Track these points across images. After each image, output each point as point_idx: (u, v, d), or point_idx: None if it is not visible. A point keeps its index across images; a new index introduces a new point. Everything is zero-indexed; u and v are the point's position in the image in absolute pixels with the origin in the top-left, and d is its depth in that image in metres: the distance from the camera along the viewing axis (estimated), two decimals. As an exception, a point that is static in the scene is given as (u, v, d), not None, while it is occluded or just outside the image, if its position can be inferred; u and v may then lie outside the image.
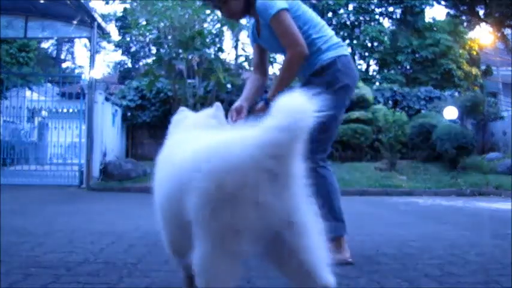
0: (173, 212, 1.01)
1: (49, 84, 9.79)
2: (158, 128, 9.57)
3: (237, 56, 8.55)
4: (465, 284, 1.61)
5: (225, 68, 6.50)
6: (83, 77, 7.79)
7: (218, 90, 7.15)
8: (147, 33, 6.73)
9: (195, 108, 7.03)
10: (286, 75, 1.90)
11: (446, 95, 10.57)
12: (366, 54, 15.39)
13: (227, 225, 0.84)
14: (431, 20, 16.02)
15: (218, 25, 6.84)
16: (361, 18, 15.76)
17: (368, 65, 16.21)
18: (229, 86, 8.03)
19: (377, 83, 13.99)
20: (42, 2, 6.79)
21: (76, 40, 28.79)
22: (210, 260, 0.88)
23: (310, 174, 1.86)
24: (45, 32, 7.41)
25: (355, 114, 9.01)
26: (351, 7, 16.08)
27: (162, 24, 6.29)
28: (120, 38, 21.08)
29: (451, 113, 8.70)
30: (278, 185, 0.86)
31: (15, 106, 7.66)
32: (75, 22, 7.20)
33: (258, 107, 2.00)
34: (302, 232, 0.91)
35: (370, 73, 16.05)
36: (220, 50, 7.31)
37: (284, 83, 1.91)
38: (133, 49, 23.38)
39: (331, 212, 1.91)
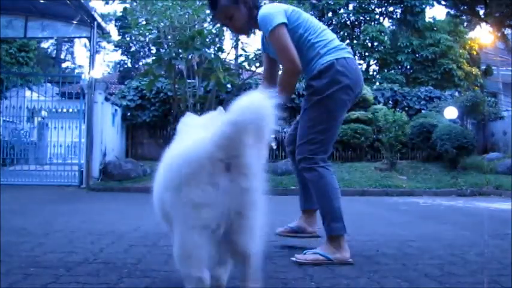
0: (159, 206, 1.20)
1: (49, 84, 9.76)
2: (158, 128, 9.58)
3: (237, 56, 8.55)
4: (465, 284, 1.61)
5: (225, 68, 6.49)
6: (82, 76, 7.79)
7: (218, 90, 7.15)
8: (147, 33, 6.72)
9: (195, 108, 7.03)
10: (281, 89, 1.95)
11: (446, 95, 10.58)
12: (366, 54, 15.38)
13: (187, 201, 1.02)
14: (431, 20, 16.02)
15: (218, 25, 6.83)
16: (361, 18, 15.76)
17: (368, 65, 16.21)
18: (229, 86, 8.03)
19: (377, 83, 13.99)
20: (42, 1, 6.78)
21: (76, 40, 28.86)
22: (180, 237, 1.04)
23: (310, 174, 1.88)
24: (45, 32, 7.41)
25: (355, 114, 9.01)
26: (351, 7, 16.08)
27: (162, 24, 6.28)
28: (120, 37, 21.08)
29: (451, 113, 8.70)
30: (231, 173, 1.03)
31: (15, 106, 7.65)
32: (75, 22, 7.20)
33: None
34: (245, 221, 1.06)
35: (370, 73, 16.05)
36: (220, 50, 7.31)
37: (283, 94, 1.96)
38: (133, 49, 23.38)
39: (330, 212, 1.95)
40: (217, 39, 7.89)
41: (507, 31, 11.53)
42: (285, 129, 9.41)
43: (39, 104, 7.94)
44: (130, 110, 9.15)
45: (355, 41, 15.58)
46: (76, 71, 27.53)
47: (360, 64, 16.05)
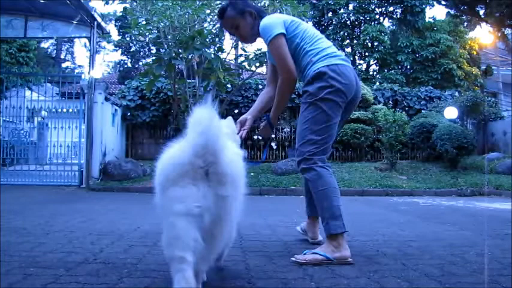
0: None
1: (49, 84, 9.77)
2: (158, 128, 9.58)
3: (237, 56, 8.54)
4: (465, 284, 1.61)
5: (225, 67, 6.48)
6: (82, 76, 7.78)
7: (218, 90, 7.15)
8: (147, 33, 6.70)
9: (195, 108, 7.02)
10: (279, 97, 2.14)
11: (446, 94, 10.57)
12: (366, 54, 15.39)
13: (171, 197, 1.17)
14: (431, 20, 16.03)
15: (218, 25, 6.83)
16: (361, 18, 15.77)
17: (368, 65, 16.21)
18: (229, 86, 8.03)
19: (377, 83, 13.99)
20: (42, 1, 6.78)
21: (76, 40, 28.88)
22: (166, 225, 1.20)
23: (309, 174, 1.90)
24: (45, 32, 7.40)
25: (355, 114, 9.01)
26: (351, 7, 16.08)
27: (162, 24, 6.27)
28: (120, 37, 21.10)
29: (451, 113, 8.70)
30: (209, 180, 1.16)
31: (15, 106, 7.65)
32: (75, 22, 7.20)
33: (262, 127, 2.32)
34: (217, 222, 1.18)
35: (370, 73, 16.06)
36: (220, 49, 7.30)
37: (279, 105, 2.18)
38: (133, 49, 23.40)
39: (329, 210, 1.99)
40: (217, 39, 7.87)
41: (507, 31, 11.54)
42: (284, 129, 9.43)
43: (39, 104, 7.93)
44: (130, 110, 9.15)
45: (355, 41, 15.59)
46: (76, 71, 27.57)
47: (360, 64, 16.06)
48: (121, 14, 17.64)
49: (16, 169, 7.34)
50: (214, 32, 7.07)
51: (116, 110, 8.46)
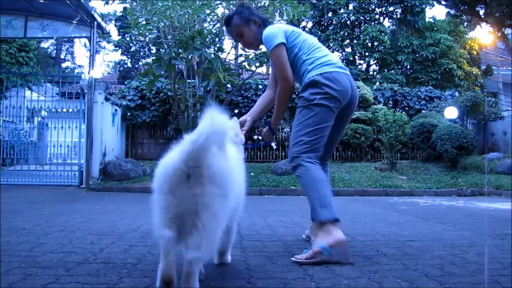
0: None
1: (49, 84, 9.78)
2: (158, 128, 9.58)
3: (237, 56, 8.54)
4: (465, 284, 1.61)
5: (225, 67, 6.47)
6: (82, 76, 7.78)
7: (218, 90, 7.15)
8: (147, 33, 6.69)
9: (195, 108, 7.03)
10: (278, 104, 2.31)
11: (446, 94, 10.57)
12: (366, 54, 15.39)
13: (162, 202, 1.33)
14: (431, 20, 16.03)
15: (218, 25, 6.82)
16: (361, 18, 15.77)
17: (368, 65, 16.22)
18: (229, 86, 8.02)
19: (377, 83, 14.00)
20: (42, 1, 6.78)
21: (76, 40, 28.90)
22: (154, 222, 1.36)
23: (297, 171, 2.18)
24: (45, 32, 7.40)
25: (355, 114, 9.01)
26: (351, 7, 16.09)
27: (162, 24, 6.27)
28: (120, 37, 21.12)
29: (451, 113, 8.70)
30: (190, 182, 1.29)
31: (14, 106, 7.66)
32: (75, 22, 7.20)
33: (263, 132, 2.51)
34: (197, 219, 1.29)
35: (370, 73, 16.06)
36: (220, 49, 7.29)
37: (279, 110, 2.34)
38: (133, 49, 23.40)
39: (318, 199, 2.05)
40: (217, 39, 7.88)
41: (507, 31, 11.54)
42: (284, 129, 9.43)
43: (39, 104, 7.94)
44: (130, 110, 9.15)
45: (355, 41, 15.59)
46: (76, 71, 27.57)
47: (360, 64, 16.07)
48: (121, 14, 17.65)
49: (16, 169, 7.35)
50: (214, 32, 7.07)
51: (116, 110, 8.46)
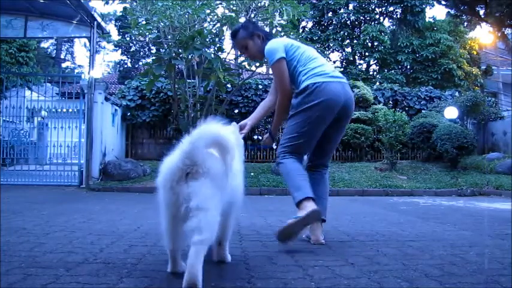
0: None
1: (49, 84, 9.79)
2: (158, 128, 9.58)
3: (237, 56, 8.54)
4: (465, 284, 1.61)
5: (225, 68, 6.47)
6: (82, 76, 7.77)
7: (218, 90, 7.15)
8: (147, 33, 6.69)
9: (195, 108, 7.03)
10: (277, 112, 2.55)
11: (446, 95, 10.57)
12: (366, 54, 15.39)
13: (164, 199, 1.53)
14: (431, 20, 16.02)
15: (218, 25, 6.82)
16: (361, 18, 15.77)
17: (368, 65, 16.22)
18: (229, 86, 8.02)
19: (377, 83, 14.00)
20: (42, 1, 6.78)
21: (76, 40, 28.90)
22: (161, 218, 1.58)
23: (280, 167, 2.44)
24: (45, 32, 7.40)
25: (355, 114, 9.01)
26: (351, 7, 16.09)
27: (162, 24, 6.27)
28: (120, 37, 21.10)
29: (451, 113, 8.70)
30: (190, 179, 1.47)
31: (15, 106, 7.65)
32: (75, 22, 7.20)
33: (265, 138, 2.74)
34: (197, 208, 1.44)
35: (370, 73, 16.06)
36: (220, 49, 7.30)
37: (278, 118, 2.57)
38: (133, 49, 23.39)
39: (293, 186, 2.31)
40: (217, 39, 7.87)
41: (507, 31, 11.54)
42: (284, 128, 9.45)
43: (39, 104, 7.94)
44: (130, 110, 9.15)
45: (355, 41, 15.59)
46: (76, 71, 27.57)
47: (360, 64, 16.06)
48: (121, 14, 17.66)
49: (16, 169, 7.35)
50: (214, 32, 7.06)
51: (116, 110, 8.46)
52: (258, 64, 6.89)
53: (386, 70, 15.38)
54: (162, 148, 9.47)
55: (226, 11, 6.67)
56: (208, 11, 6.36)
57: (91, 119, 6.95)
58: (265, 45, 2.52)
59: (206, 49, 6.39)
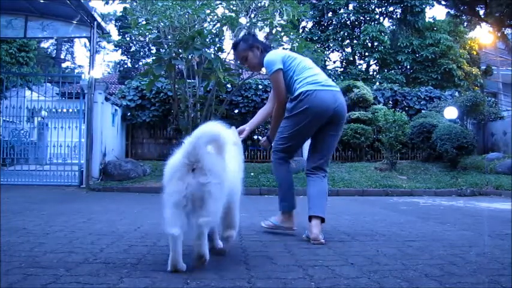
0: None
1: (49, 84, 9.77)
2: (158, 128, 9.58)
3: (237, 56, 8.52)
4: (465, 284, 1.61)
5: (225, 68, 6.47)
6: (82, 76, 7.77)
7: (218, 90, 7.15)
8: (147, 33, 6.69)
9: (195, 108, 7.03)
10: (274, 118, 2.79)
11: (446, 95, 10.57)
12: (366, 54, 15.40)
13: (172, 189, 1.69)
14: (431, 20, 16.03)
15: (218, 25, 6.81)
16: (361, 18, 15.77)
17: (368, 65, 16.22)
18: (229, 86, 8.02)
19: (377, 83, 13.99)
20: (42, 1, 6.78)
21: (76, 40, 28.90)
22: (166, 218, 1.68)
23: (272, 166, 2.84)
24: (45, 32, 7.40)
25: (355, 114, 9.01)
26: (351, 7, 16.09)
27: (162, 24, 6.27)
28: (120, 37, 21.10)
29: (451, 113, 8.69)
30: (194, 173, 1.67)
31: (15, 106, 7.65)
32: (75, 22, 7.20)
33: (262, 141, 2.97)
34: (203, 203, 1.67)
35: (370, 73, 16.06)
36: (220, 50, 7.30)
37: (275, 124, 2.79)
38: (133, 49, 23.40)
39: (280, 196, 2.75)
40: (217, 39, 7.88)
41: (507, 31, 11.54)
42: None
43: (39, 104, 7.93)
44: (130, 110, 9.15)
45: (355, 41, 15.59)
46: (76, 71, 27.57)
47: (360, 64, 16.07)
48: (121, 14, 17.66)
49: (16, 169, 7.34)
50: (214, 32, 7.07)
51: (116, 110, 8.46)
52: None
53: (386, 70, 15.38)
54: (162, 148, 9.48)
55: (226, 11, 6.67)
56: (208, 11, 6.36)
57: (91, 119, 6.95)
58: (264, 56, 2.72)
59: (206, 49, 6.39)
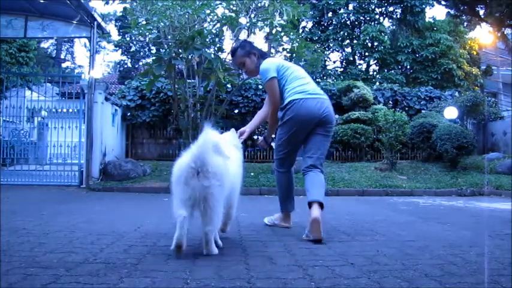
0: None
1: (49, 84, 9.76)
2: (158, 128, 9.58)
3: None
4: (465, 284, 1.61)
5: (225, 68, 6.47)
6: (82, 76, 7.76)
7: (218, 90, 7.15)
8: (147, 33, 6.68)
9: (195, 108, 7.02)
10: (270, 121, 3.02)
11: (446, 95, 10.56)
12: (366, 54, 15.39)
13: (179, 190, 1.93)
14: (431, 20, 16.01)
15: (218, 25, 6.81)
16: (361, 18, 15.76)
17: (368, 65, 16.21)
18: (229, 86, 8.02)
19: (377, 83, 13.98)
20: (42, 1, 6.78)
21: (76, 40, 28.88)
22: (174, 206, 1.95)
23: (275, 174, 3.14)
24: (45, 32, 7.39)
25: (355, 114, 9.01)
26: (351, 7, 16.08)
27: (162, 24, 6.26)
28: (120, 37, 21.09)
29: (451, 113, 8.69)
30: (199, 177, 1.89)
31: (15, 106, 7.65)
32: (75, 22, 7.19)
33: (259, 142, 3.23)
34: (207, 204, 1.91)
35: (370, 73, 16.05)
36: (220, 50, 7.29)
37: (270, 126, 3.05)
38: (133, 49, 23.40)
39: (280, 199, 3.02)
40: (217, 39, 7.87)
41: (507, 31, 11.54)
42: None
43: (39, 104, 7.93)
44: (130, 110, 9.15)
45: (355, 41, 15.58)
46: (76, 71, 27.55)
47: (360, 64, 16.06)
48: (121, 14, 17.64)
49: (16, 169, 7.34)
50: (214, 32, 7.06)
51: (116, 110, 8.46)
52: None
53: (386, 70, 15.37)
54: (162, 148, 9.48)
55: (226, 11, 6.66)
56: (208, 11, 6.35)
57: (91, 119, 6.95)
58: (260, 62, 2.92)
59: (206, 49, 6.38)
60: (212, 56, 6.38)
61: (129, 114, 9.15)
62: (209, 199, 1.88)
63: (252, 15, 6.60)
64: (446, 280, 1.64)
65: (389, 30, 16.15)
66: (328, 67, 16.13)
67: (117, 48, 24.71)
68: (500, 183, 6.82)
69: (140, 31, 6.49)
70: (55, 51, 29.05)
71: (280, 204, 3.01)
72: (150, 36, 6.76)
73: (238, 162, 2.34)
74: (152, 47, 17.33)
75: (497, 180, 6.98)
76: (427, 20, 15.80)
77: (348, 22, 15.94)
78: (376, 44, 15.09)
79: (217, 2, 6.60)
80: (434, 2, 14.63)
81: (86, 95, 7.08)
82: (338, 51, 16.43)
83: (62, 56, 30.47)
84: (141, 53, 23.42)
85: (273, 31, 6.88)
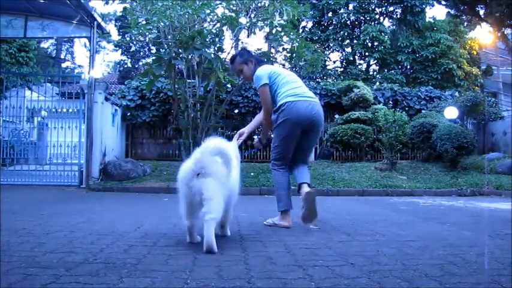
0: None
1: (49, 84, 9.76)
2: (158, 128, 9.58)
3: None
4: (465, 284, 1.61)
5: (225, 68, 6.47)
6: (82, 76, 7.76)
7: (218, 90, 7.15)
8: (147, 33, 6.69)
9: (195, 108, 7.03)
10: (264, 124, 3.27)
11: (446, 95, 10.56)
12: (366, 54, 15.38)
13: (182, 192, 2.18)
14: (431, 20, 16.00)
15: (218, 25, 6.81)
16: (361, 18, 15.76)
17: (368, 65, 16.20)
18: (229, 86, 8.02)
19: (377, 83, 13.98)
20: (42, 1, 6.78)
21: (76, 40, 28.89)
22: (180, 205, 2.22)
23: (272, 173, 3.35)
24: (45, 32, 7.39)
25: (355, 114, 9.01)
26: (351, 7, 16.07)
27: (162, 24, 6.27)
28: (120, 37, 21.10)
29: (451, 113, 8.69)
30: (199, 178, 2.09)
31: (15, 106, 7.64)
32: (74, 22, 7.19)
33: (255, 142, 3.51)
34: (206, 201, 2.07)
35: (370, 73, 16.04)
36: (220, 50, 7.30)
37: (264, 128, 3.36)
38: (133, 49, 23.37)
39: (277, 197, 3.08)
40: (217, 39, 7.88)
41: (507, 31, 11.53)
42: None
43: (39, 104, 7.93)
44: (130, 110, 9.14)
45: (355, 41, 15.58)
46: (76, 71, 27.56)
47: (360, 64, 16.06)
48: (121, 14, 17.62)
49: (16, 169, 7.34)
50: (214, 32, 7.06)
51: (116, 110, 8.45)
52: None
53: (386, 70, 15.36)
54: (162, 148, 9.47)
55: (226, 11, 6.66)
56: (208, 11, 6.36)
57: (91, 119, 6.94)
58: (256, 69, 3.13)
59: (206, 49, 6.39)
60: (212, 56, 6.39)
61: (129, 114, 9.15)
62: (207, 190, 2.05)
63: (252, 15, 6.61)
64: (446, 280, 1.64)
65: (390, 30, 16.14)
66: (328, 67, 16.12)
67: (117, 48, 24.68)
68: (500, 183, 6.82)
69: (140, 31, 6.49)
70: (55, 51, 29.05)
71: (278, 203, 3.05)
72: (150, 36, 6.77)
73: (237, 170, 2.49)
74: (152, 47, 17.32)
75: (497, 180, 6.98)
76: (427, 20, 15.79)
77: (348, 22, 15.93)
78: (376, 44, 15.08)
79: (217, 2, 6.60)
80: (434, 2, 14.63)
81: (85, 95, 7.08)
82: (338, 51, 16.43)
83: (62, 56, 30.48)
84: (141, 53, 23.40)
85: (273, 31, 6.88)
